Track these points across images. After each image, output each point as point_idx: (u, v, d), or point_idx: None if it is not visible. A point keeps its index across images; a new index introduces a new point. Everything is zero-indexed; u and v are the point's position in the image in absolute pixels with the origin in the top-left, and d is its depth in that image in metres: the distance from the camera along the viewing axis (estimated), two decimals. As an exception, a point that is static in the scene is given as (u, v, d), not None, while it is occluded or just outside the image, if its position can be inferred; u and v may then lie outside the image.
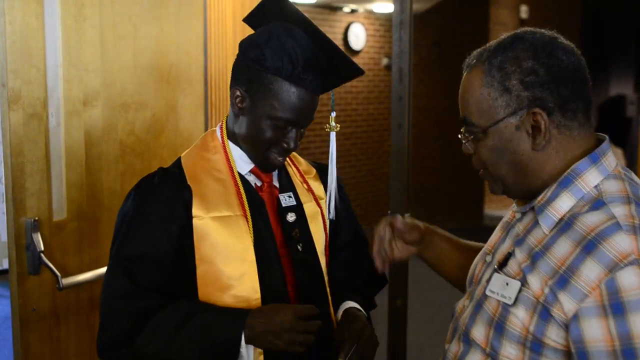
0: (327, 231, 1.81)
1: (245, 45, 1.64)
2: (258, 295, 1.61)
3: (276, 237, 1.69)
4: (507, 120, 1.33)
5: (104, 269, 2.54)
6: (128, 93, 2.69)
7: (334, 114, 1.76)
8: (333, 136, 1.78)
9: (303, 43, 1.59)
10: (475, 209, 10.35)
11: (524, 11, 11.59)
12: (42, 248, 2.34)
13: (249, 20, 1.71)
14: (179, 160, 1.74)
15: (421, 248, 1.79)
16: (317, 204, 1.80)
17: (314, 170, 1.89)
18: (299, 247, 1.71)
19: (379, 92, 9.45)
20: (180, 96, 2.94)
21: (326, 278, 1.77)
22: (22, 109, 2.29)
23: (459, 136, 1.46)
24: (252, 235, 1.63)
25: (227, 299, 1.61)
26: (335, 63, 1.66)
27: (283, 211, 1.72)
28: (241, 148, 1.71)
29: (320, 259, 1.75)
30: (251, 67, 1.61)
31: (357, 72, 1.73)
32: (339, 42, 8.86)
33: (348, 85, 9.00)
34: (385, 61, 9.36)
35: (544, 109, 1.29)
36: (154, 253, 1.60)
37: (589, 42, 11.52)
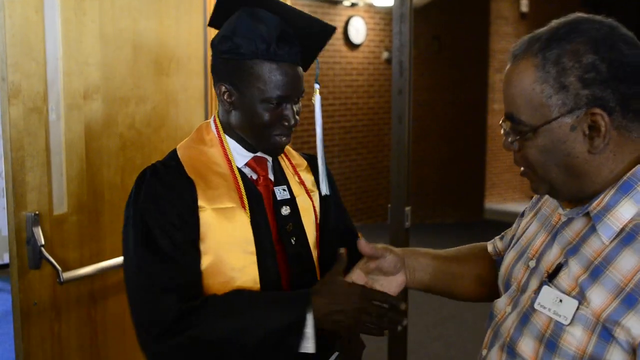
0: (318, 223, 1.80)
1: (216, 43, 1.65)
2: (258, 287, 1.62)
3: (272, 230, 1.69)
4: (562, 120, 1.20)
5: (104, 263, 2.58)
6: (128, 86, 2.68)
7: (317, 86, 1.74)
8: (318, 104, 1.75)
9: (269, 20, 1.59)
10: (475, 203, 10.35)
11: (524, 4, 11.58)
12: (43, 242, 2.34)
13: (213, 23, 1.72)
14: (174, 153, 1.72)
15: (408, 275, 1.68)
16: (308, 196, 1.79)
17: (305, 162, 1.89)
18: (292, 240, 1.71)
19: (379, 85, 9.44)
20: (180, 89, 2.93)
21: (318, 272, 1.77)
22: (22, 103, 2.29)
23: (501, 132, 1.32)
24: (252, 228, 1.64)
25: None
26: (305, 28, 1.65)
27: (278, 204, 1.72)
28: (237, 140, 1.71)
29: (312, 252, 1.75)
30: (229, 60, 1.61)
31: (328, 29, 1.70)
32: (339, 36, 8.85)
33: (348, 79, 8.99)
34: (385, 55, 9.35)
35: (605, 109, 1.18)
36: (178, 235, 1.58)
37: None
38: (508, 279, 1.45)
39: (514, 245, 1.52)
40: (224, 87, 1.65)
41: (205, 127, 1.76)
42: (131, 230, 1.60)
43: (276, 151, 1.70)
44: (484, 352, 1.42)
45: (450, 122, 9.91)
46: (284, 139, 1.67)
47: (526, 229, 1.50)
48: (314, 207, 1.79)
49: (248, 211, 1.64)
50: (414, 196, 7.57)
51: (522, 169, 1.33)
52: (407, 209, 3.12)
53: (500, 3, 10.97)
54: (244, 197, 1.65)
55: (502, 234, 1.78)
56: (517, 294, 1.38)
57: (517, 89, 1.25)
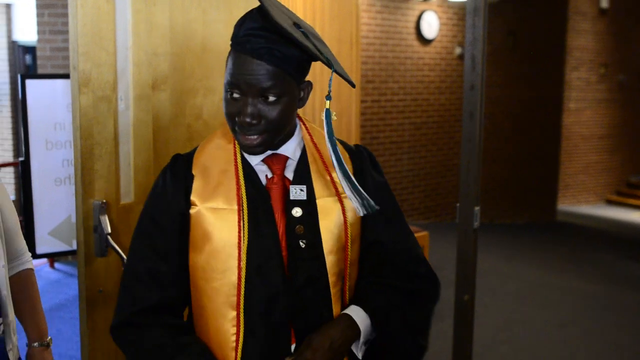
0: (348, 230, 1.65)
1: None
2: (235, 292, 1.57)
3: (281, 233, 1.61)
4: None
5: (169, 253, 2.58)
6: (196, 77, 2.68)
7: (327, 101, 1.61)
8: (325, 120, 1.62)
9: (252, 15, 1.55)
10: (548, 203, 10.10)
11: (604, 0, 11.22)
12: (109, 230, 2.36)
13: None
14: (196, 147, 1.72)
15: None
16: (338, 199, 1.66)
17: (348, 161, 1.73)
18: (301, 243, 1.62)
19: (451, 81, 9.30)
20: (248, 82, 2.92)
21: (332, 279, 1.63)
22: (92, 92, 2.31)
23: None
24: (246, 232, 1.58)
25: (209, 291, 1.60)
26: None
27: (290, 205, 1.63)
28: None
29: (326, 258, 1.62)
30: None
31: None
32: (411, 31, 8.75)
33: (419, 74, 8.88)
34: (458, 50, 9.20)
35: None
36: (162, 237, 1.62)
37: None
38: None
39: None
40: None
41: None
42: (140, 220, 1.68)
43: (246, 149, 1.60)
44: None
45: (523, 119, 9.69)
46: (248, 137, 1.56)
47: None
48: (343, 211, 1.66)
49: (245, 212, 1.59)
50: (483, 195, 7.44)
51: None
52: (477, 208, 3.04)
53: (579, -2, 10.66)
54: (243, 196, 1.60)
55: None
56: None
57: None
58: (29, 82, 3.66)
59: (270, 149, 1.64)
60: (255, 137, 1.56)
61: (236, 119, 1.55)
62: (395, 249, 1.73)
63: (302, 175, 1.66)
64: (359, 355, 1.64)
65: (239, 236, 1.57)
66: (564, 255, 8.26)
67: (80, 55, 2.27)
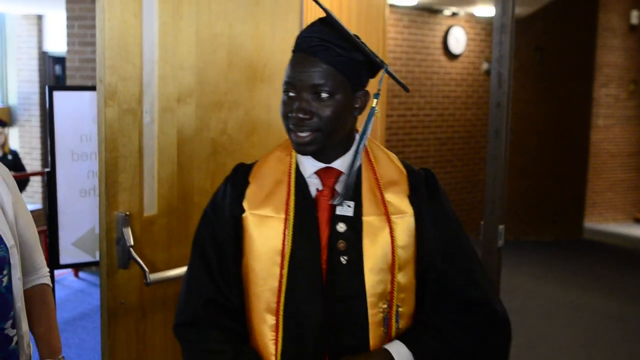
0: (395, 252, 1.62)
1: None
2: (275, 298, 1.60)
3: (323, 246, 1.62)
4: None
5: (191, 267, 2.58)
6: (221, 91, 2.69)
7: (375, 99, 1.63)
8: (371, 119, 1.64)
9: (314, 22, 1.61)
10: (574, 221, 9.97)
11: (635, 16, 11.12)
12: (132, 243, 2.37)
13: None
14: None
15: None
16: (387, 219, 1.63)
17: (404, 181, 1.69)
18: (343, 259, 1.61)
19: (477, 97, 9.25)
20: (273, 95, 2.92)
21: (371, 299, 1.60)
22: (117, 105, 2.33)
23: None
24: (289, 241, 1.60)
25: (252, 295, 1.63)
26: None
27: (336, 220, 1.63)
28: None
29: (365, 276, 1.60)
30: None
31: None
32: (438, 46, 8.73)
33: (446, 89, 8.85)
34: (485, 66, 9.15)
35: None
36: (220, 240, 1.68)
37: None
38: None
39: None
40: None
41: None
42: (199, 225, 1.74)
43: (297, 147, 1.61)
44: None
45: (550, 136, 9.60)
46: (299, 134, 1.58)
47: None
48: (390, 231, 1.63)
49: (291, 222, 1.61)
50: (508, 211, 7.39)
51: None
52: (501, 227, 3.00)
53: (609, 14, 10.56)
54: (291, 206, 1.62)
55: None
56: None
57: None
58: (57, 94, 3.70)
59: (324, 162, 1.66)
60: (306, 134, 1.58)
61: (289, 115, 1.58)
62: (456, 282, 1.66)
63: (354, 191, 1.65)
64: None
65: (283, 244, 1.60)
66: (590, 274, 8.14)
67: (106, 68, 2.28)
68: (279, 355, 1.59)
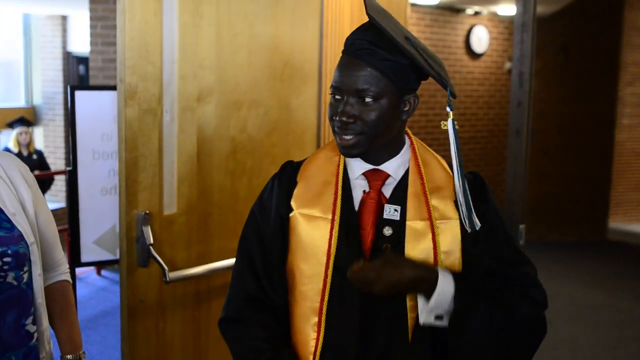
0: (438, 257, 1.61)
1: None
2: (318, 298, 1.61)
3: (366, 248, 1.62)
4: None
5: (211, 265, 2.60)
6: (241, 90, 2.70)
7: (449, 110, 1.70)
8: (450, 130, 1.70)
9: (364, 24, 1.60)
10: (598, 221, 9.85)
11: (661, 14, 10.96)
12: (152, 241, 2.39)
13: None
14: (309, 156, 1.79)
15: None
16: (430, 224, 1.62)
17: (451, 186, 1.69)
18: None
19: (500, 96, 9.19)
20: (293, 95, 2.92)
21: (410, 303, 1.60)
22: (137, 104, 2.34)
23: None
24: (335, 241, 1.61)
25: (297, 294, 1.65)
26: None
27: (382, 223, 1.64)
28: None
29: None
30: None
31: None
32: (460, 44, 8.68)
33: (468, 88, 8.80)
34: (508, 65, 9.09)
35: None
36: (266, 240, 1.69)
37: None
38: None
39: None
40: None
41: None
42: (246, 223, 1.76)
43: (342, 150, 1.62)
44: None
45: (574, 136, 9.50)
46: (344, 136, 1.59)
47: None
48: (433, 237, 1.62)
49: (337, 223, 1.62)
50: (531, 212, 7.32)
51: None
52: (522, 226, 2.98)
53: (635, 12, 10.42)
54: (338, 208, 1.63)
55: None
56: None
57: None
58: (79, 94, 3.73)
59: (372, 164, 1.66)
60: (351, 137, 1.59)
61: (335, 118, 1.60)
62: (513, 281, 1.65)
63: (399, 195, 1.66)
64: (421, 319, 1.56)
65: (329, 244, 1.62)
66: (614, 275, 8.05)
67: (127, 68, 2.30)
68: (318, 354, 1.62)
